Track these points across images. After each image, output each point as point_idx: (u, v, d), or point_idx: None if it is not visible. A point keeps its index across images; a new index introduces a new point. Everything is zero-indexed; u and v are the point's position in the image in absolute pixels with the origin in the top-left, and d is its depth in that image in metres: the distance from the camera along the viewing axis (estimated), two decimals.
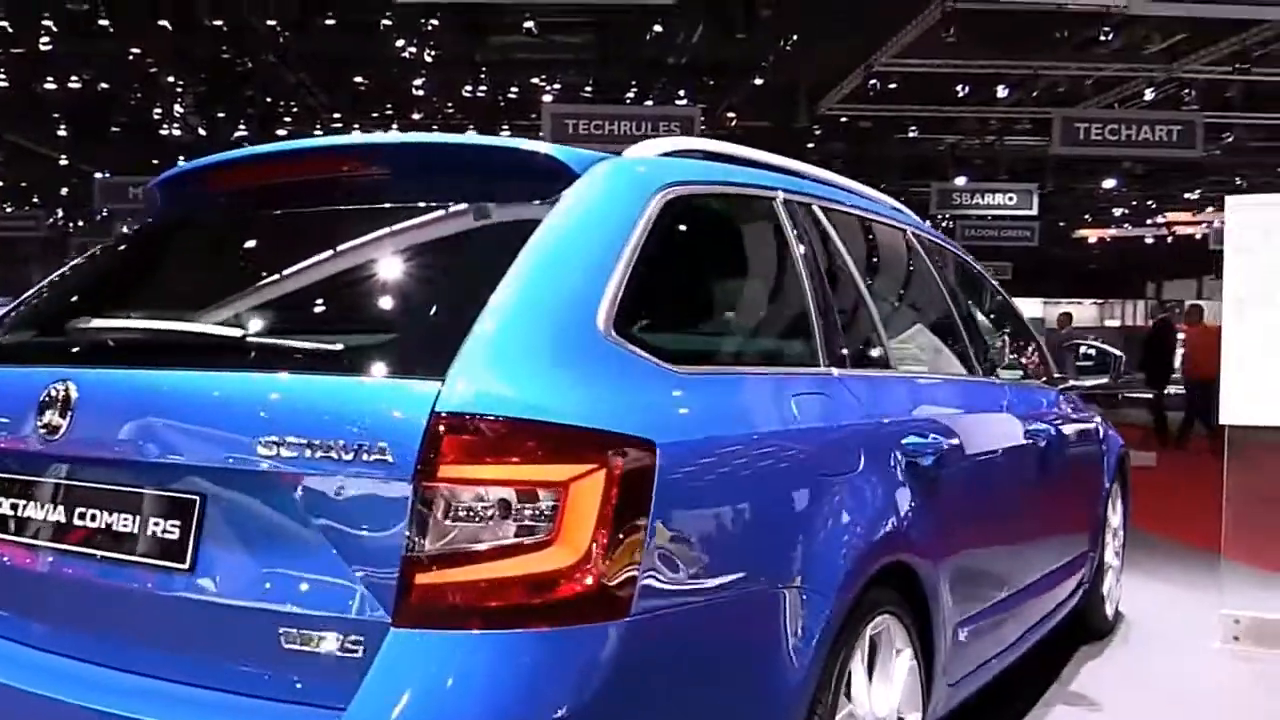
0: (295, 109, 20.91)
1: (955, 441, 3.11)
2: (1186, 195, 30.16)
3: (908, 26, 16.52)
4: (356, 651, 1.76)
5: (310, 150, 2.51)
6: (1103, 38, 15.05)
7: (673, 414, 2.01)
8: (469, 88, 19.56)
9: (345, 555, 1.79)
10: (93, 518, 2.05)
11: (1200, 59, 16.56)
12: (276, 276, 2.34)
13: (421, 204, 2.29)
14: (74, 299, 2.64)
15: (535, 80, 19.63)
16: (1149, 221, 35.62)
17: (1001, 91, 18.80)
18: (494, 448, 1.73)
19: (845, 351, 2.75)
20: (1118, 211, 33.91)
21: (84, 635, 2.06)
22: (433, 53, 17.48)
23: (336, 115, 21.03)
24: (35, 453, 2.12)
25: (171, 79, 18.72)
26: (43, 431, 2.08)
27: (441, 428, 1.73)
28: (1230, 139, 20.85)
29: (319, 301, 2.28)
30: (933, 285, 3.82)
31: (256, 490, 1.88)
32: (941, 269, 3.95)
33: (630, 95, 19.84)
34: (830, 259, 2.94)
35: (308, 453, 1.79)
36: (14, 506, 2.18)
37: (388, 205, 2.34)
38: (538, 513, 1.71)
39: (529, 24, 15.50)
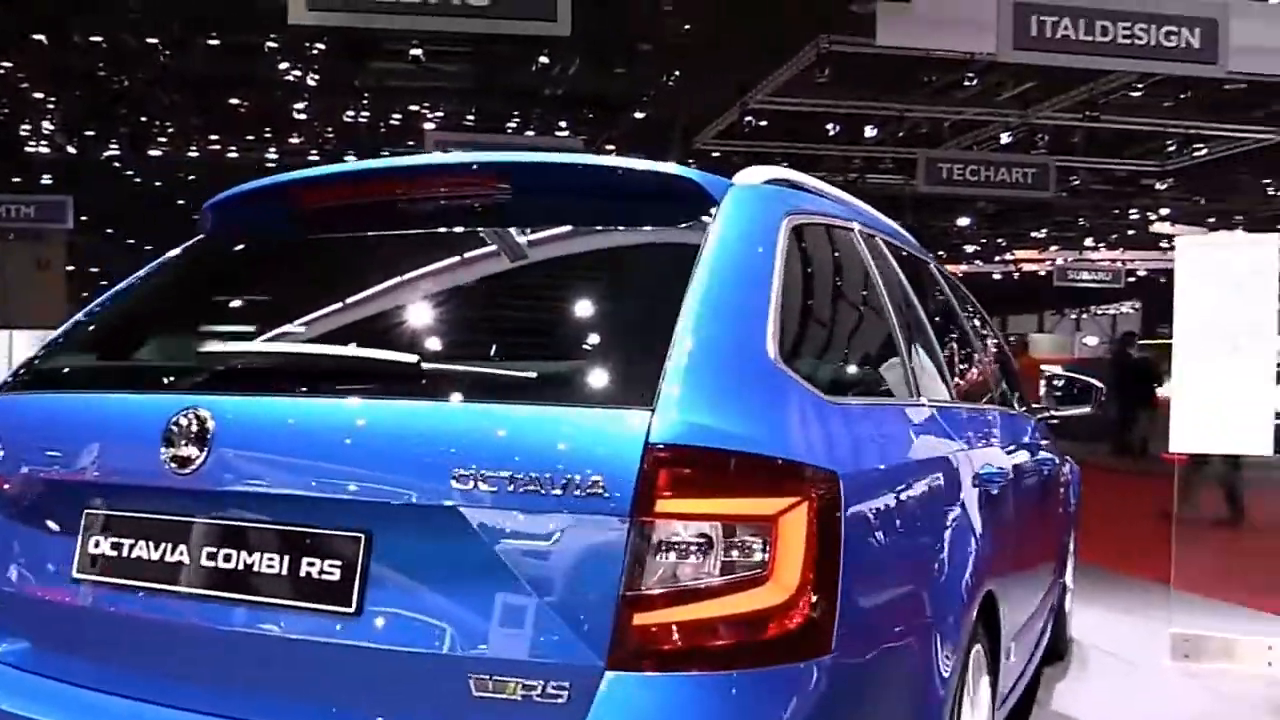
0: (170, 129, 20.54)
1: (1006, 470, 3.13)
2: (1034, 234, 31.92)
3: (783, 66, 17.30)
4: (559, 698, 1.63)
5: (430, 168, 2.36)
6: (965, 83, 16.02)
7: (844, 444, 1.94)
8: (350, 113, 19.58)
9: (547, 595, 1.65)
10: (230, 559, 1.85)
11: (1052, 105, 17.73)
12: (427, 300, 2.15)
13: (568, 226, 2.17)
14: (169, 318, 2.43)
15: (416, 108, 19.78)
16: (997, 258, 37.47)
17: (869, 131, 19.76)
18: (707, 481, 1.65)
19: (923, 382, 2.70)
20: (970, 248, 35.58)
21: (217, 689, 1.86)
22: (315, 77, 17.49)
23: (213, 137, 20.76)
24: (160, 488, 1.90)
25: (42, 95, 18.25)
26: (172, 465, 1.87)
27: (657, 460, 1.63)
28: (1077, 182, 22.28)
29: (486, 327, 2.10)
30: (957, 315, 3.78)
31: (439, 527, 1.71)
32: (960, 299, 3.97)
33: (511, 125, 20.15)
34: (900, 289, 2.89)
35: (507, 487, 1.65)
36: (129, 548, 1.96)
37: (531, 226, 2.19)
38: (751, 548, 1.63)
39: (416, 51, 15.67)
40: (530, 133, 19.82)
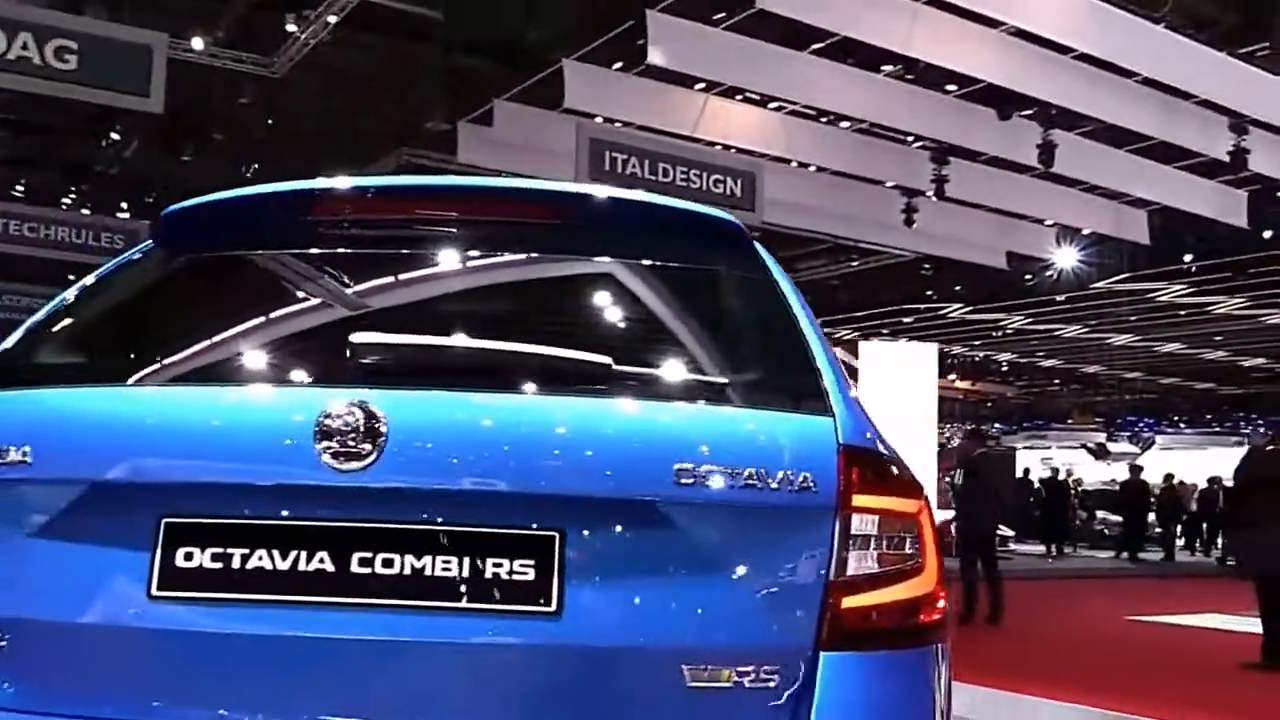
0: None
1: None
2: None
3: (365, 170, 17.68)
4: (772, 682, 1.67)
5: (504, 191, 2.34)
6: None
7: None
8: None
9: (756, 584, 1.71)
10: (398, 564, 1.69)
11: None
12: (592, 311, 2.17)
13: (644, 257, 2.17)
14: (274, 309, 2.17)
15: None
16: None
17: None
18: (878, 481, 1.78)
19: None
20: None
21: (393, 708, 1.68)
22: None
23: None
24: (303, 489, 1.71)
25: None
26: (331, 463, 1.67)
27: (850, 460, 1.76)
28: None
29: (649, 334, 2.11)
30: None
31: (642, 521, 1.70)
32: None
33: (66, 201, 18.88)
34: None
35: (715, 482, 1.69)
36: (244, 559, 1.70)
37: (603, 254, 2.19)
38: (907, 542, 1.78)
39: None
40: (86, 211, 18.61)
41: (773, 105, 14.83)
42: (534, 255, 2.21)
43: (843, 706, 1.70)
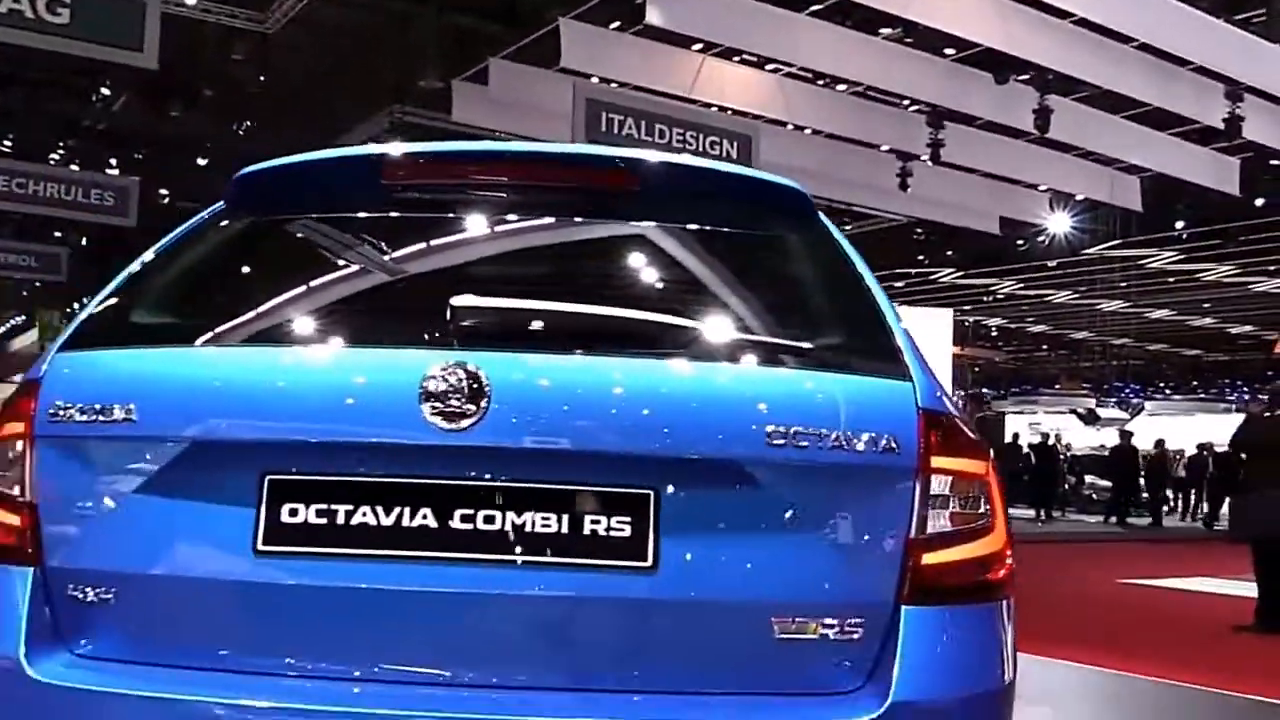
0: None
1: None
2: None
3: (354, 131, 17.54)
4: (855, 634, 1.74)
5: (581, 157, 2.34)
6: None
7: None
8: None
9: (841, 540, 1.77)
10: (500, 520, 1.74)
11: None
12: (672, 279, 2.20)
13: (720, 224, 2.21)
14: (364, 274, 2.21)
15: None
16: None
17: None
18: (952, 443, 1.84)
19: None
20: None
21: (494, 657, 1.74)
22: None
23: None
24: (408, 447, 1.75)
25: None
26: (437, 422, 1.72)
27: (929, 422, 1.81)
28: None
29: (726, 302, 2.15)
30: None
31: (733, 481, 1.76)
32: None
33: (55, 157, 18.72)
34: None
35: (803, 443, 1.75)
36: (348, 514, 1.74)
37: (677, 221, 2.21)
38: (979, 501, 1.84)
39: None
40: (75, 167, 18.45)
41: (769, 67, 14.76)
42: (612, 221, 2.24)
43: (922, 658, 1.76)
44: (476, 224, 2.21)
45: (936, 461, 1.81)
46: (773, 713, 1.72)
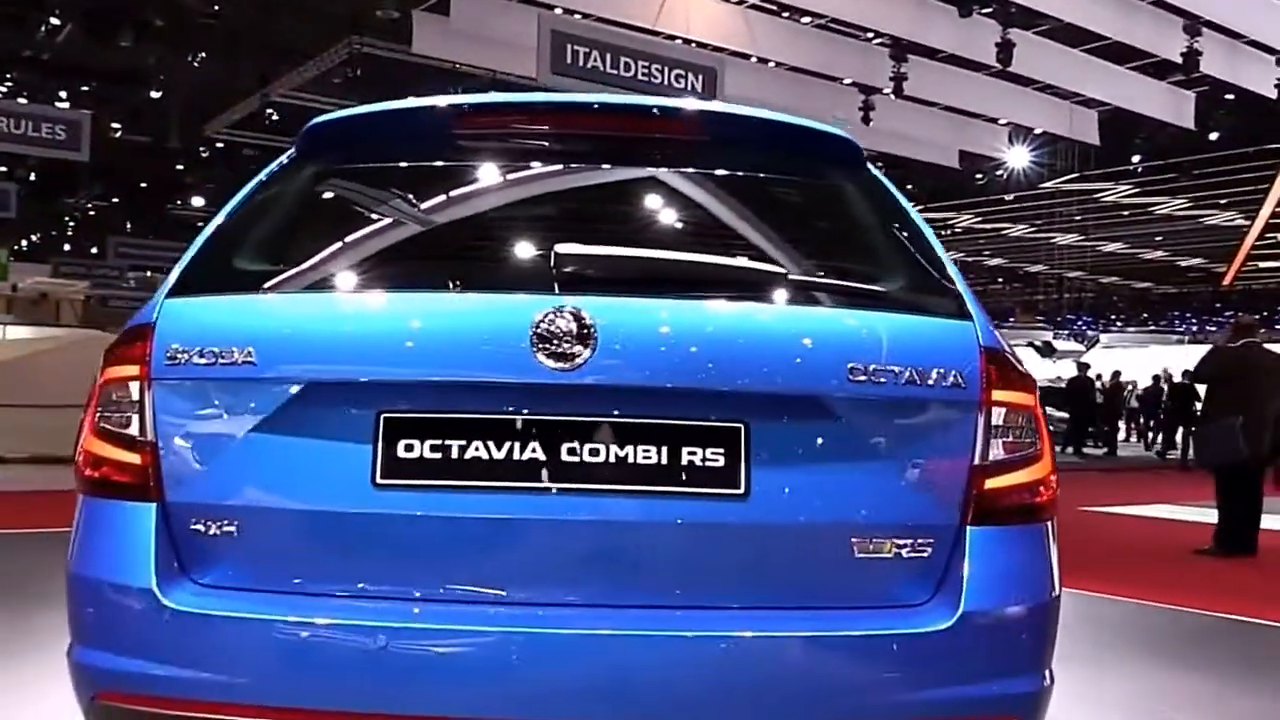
0: None
1: None
2: None
3: (311, 62, 17.24)
4: (925, 552, 1.91)
5: (655, 108, 2.37)
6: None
7: None
8: None
9: (913, 468, 1.93)
10: (604, 453, 1.87)
11: None
12: (745, 225, 2.30)
13: (787, 173, 2.35)
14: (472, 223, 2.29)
15: None
16: None
17: None
18: (1008, 378, 1.99)
19: None
20: None
21: (600, 581, 1.87)
22: None
23: None
24: (519, 385, 1.85)
25: None
26: (548, 362, 1.82)
27: (989, 360, 1.97)
28: None
29: (801, 248, 2.27)
30: None
31: (816, 414, 1.91)
32: None
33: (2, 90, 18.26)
34: None
35: (881, 379, 1.89)
36: (461, 450, 1.87)
37: (737, 170, 2.33)
38: (1030, 431, 1.99)
39: None
40: (23, 100, 18.01)
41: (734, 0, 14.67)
42: (686, 170, 2.32)
43: (987, 573, 1.93)
44: (556, 173, 2.33)
45: (997, 395, 1.96)
46: (854, 624, 1.86)
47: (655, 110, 2.35)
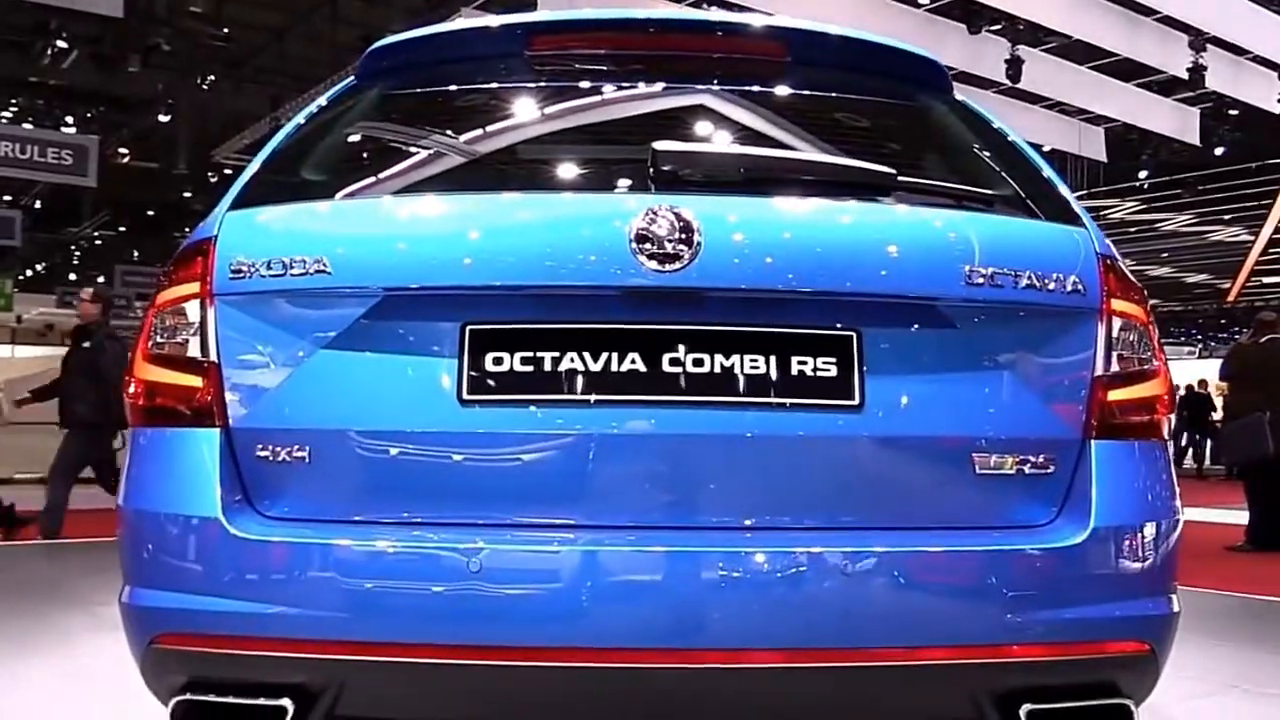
0: None
1: None
2: None
3: (322, 84, 17.24)
4: (1049, 468, 1.80)
5: (735, 26, 2.29)
6: None
7: None
8: None
9: (1034, 379, 1.82)
10: (709, 363, 1.73)
11: None
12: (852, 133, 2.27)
13: (890, 93, 2.27)
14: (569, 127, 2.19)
15: None
16: None
17: None
18: (1125, 287, 1.89)
19: None
20: None
21: (712, 497, 1.74)
22: None
23: None
24: (629, 290, 1.72)
25: None
26: (650, 264, 1.69)
27: (1107, 266, 1.87)
28: None
29: (903, 153, 2.23)
30: None
31: (933, 322, 1.79)
32: None
33: (7, 115, 18.28)
34: None
35: (1000, 282, 1.78)
36: (554, 361, 1.72)
37: (829, 87, 2.25)
38: (1147, 345, 1.89)
39: None
40: (29, 125, 18.03)
41: None
42: (775, 88, 2.24)
43: (1114, 488, 1.82)
44: (641, 93, 2.21)
45: (1116, 305, 1.86)
46: (978, 542, 1.75)
47: (748, 28, 2.26)
